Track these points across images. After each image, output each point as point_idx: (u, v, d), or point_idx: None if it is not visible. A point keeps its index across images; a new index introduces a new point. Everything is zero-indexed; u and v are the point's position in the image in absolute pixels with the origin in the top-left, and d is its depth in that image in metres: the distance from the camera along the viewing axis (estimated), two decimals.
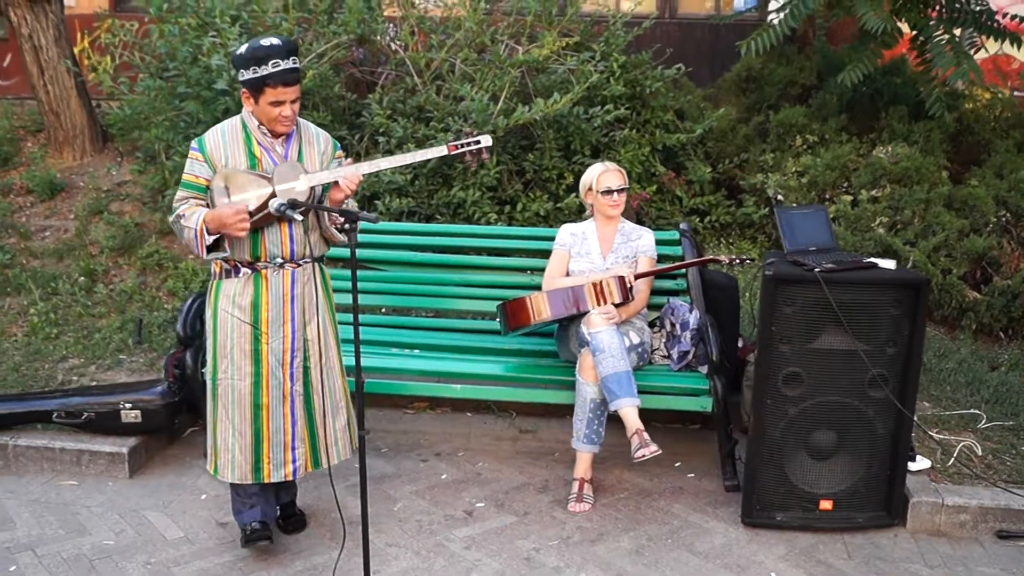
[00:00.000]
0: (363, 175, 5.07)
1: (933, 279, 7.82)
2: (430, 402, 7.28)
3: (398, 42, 9.03)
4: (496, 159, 8.46)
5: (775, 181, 9.05)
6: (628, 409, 5.62)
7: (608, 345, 5.68)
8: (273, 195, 4.79)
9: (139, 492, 6.03)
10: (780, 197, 8.94)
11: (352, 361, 4.60)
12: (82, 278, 8.79)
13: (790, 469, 5.52)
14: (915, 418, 5.61)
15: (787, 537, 5.55)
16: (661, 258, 6.55)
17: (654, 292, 6.49)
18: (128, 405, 6.24)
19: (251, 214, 4.76)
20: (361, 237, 5.85)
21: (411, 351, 6.66)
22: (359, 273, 7.13)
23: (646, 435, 5.57)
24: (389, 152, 8.32)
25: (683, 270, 6.57)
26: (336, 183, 4.93)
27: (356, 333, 4.53)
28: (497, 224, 8.28)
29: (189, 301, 6.54)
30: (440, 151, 5.17)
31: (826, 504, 5.55)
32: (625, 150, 8.86)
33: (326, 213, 5.03)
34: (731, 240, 9.18)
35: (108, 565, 5.22)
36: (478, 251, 7.43)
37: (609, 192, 6.19)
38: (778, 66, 10.68)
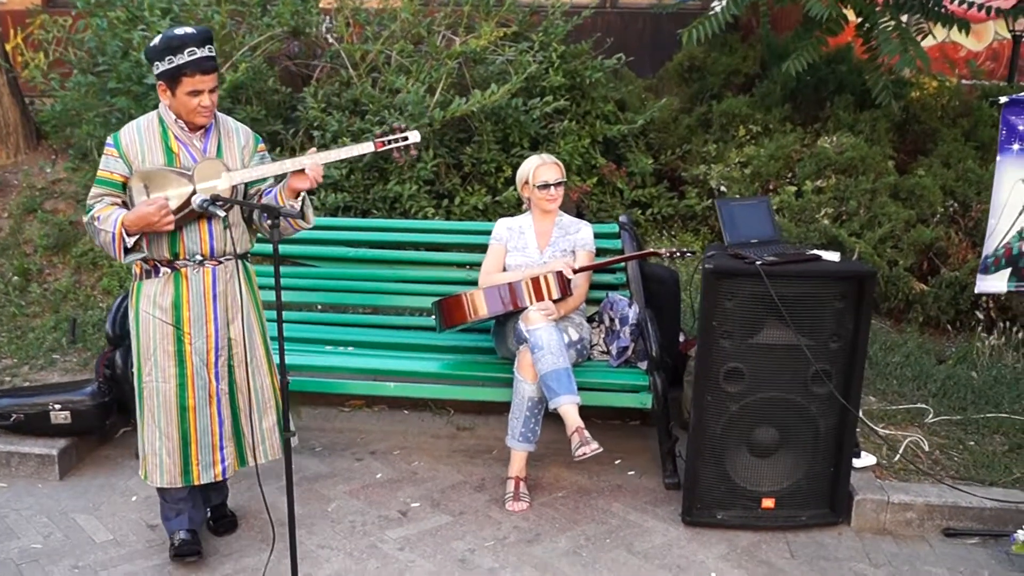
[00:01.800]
0: (306, 166, 4.83)
1: (879, 271, 7.76)
2: (366, 400, 7.17)
3: (333, 34, 8.91)
4: (433, 152, 8.35)
5: (718, 172, 8.97)
6: (568, 407, 5.53)
7: (547, 342, 5.58)
8: (194, 193, 4.66)
9: (69, 494, 5.91)
10: (723, 188, 8.86)
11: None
12: (16, 277, 8.63)
13: (731, 467, 5.43)
14: (860, 414, 5.53)
15: (728, 536, 5.47)
16: (600, 251, 6.47)
17: (593, 286, 6.40)
18: (57, 406, 6.11)
19: (173, 213, 4.63)
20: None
21: (345, 348, 6.55)
22: (293, 270, 7.05)
23: (587, 433, 5.47)
24: (324, 147, 8.20)
25: (623, 264, 6.48)
26: (302, 171, 4.76)
27: (280, 331, 4.42)
28: (434, 218, 8.18)
29: (118, 300, 6.42)
30: (367, 147, 5.02)
31: (768, 502, 5.46)
32: (565, 142, 8.74)
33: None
34: (673, 232, 9.09)
35: (35, 569, 5.11)
36: (415, 246, 7.35)
37: (546, 186, 6.08)
38: (721, 55, 10.62)
